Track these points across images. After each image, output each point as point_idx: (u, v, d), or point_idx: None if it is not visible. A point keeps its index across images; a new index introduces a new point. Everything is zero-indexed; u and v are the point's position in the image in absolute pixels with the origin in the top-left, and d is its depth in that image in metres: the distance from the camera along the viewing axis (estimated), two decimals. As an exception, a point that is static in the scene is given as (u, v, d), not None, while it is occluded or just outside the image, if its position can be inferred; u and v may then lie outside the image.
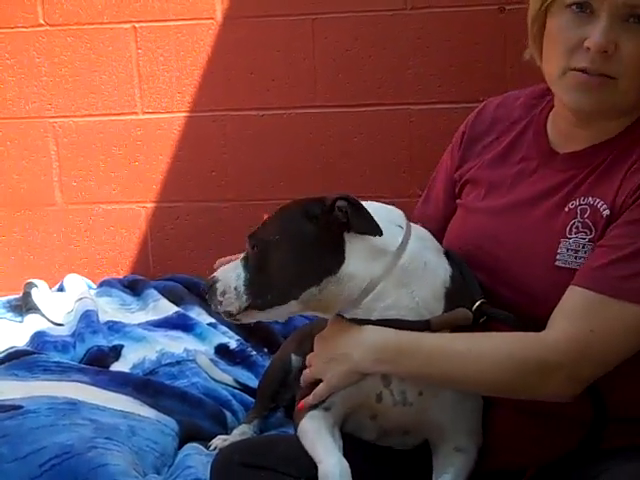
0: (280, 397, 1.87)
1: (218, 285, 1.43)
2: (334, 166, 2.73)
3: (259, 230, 1.46)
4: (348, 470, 1.29)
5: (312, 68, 2.73)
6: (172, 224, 2.87)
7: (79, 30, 2.81)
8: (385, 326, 1.34)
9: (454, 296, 1.38)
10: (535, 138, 1.46)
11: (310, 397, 1.39)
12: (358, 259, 1.35)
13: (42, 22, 2.81)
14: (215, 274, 1.46)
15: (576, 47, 1.31)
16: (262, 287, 1.39)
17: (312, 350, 1.47)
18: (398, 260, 1.36)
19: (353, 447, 1.38)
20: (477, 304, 1.37)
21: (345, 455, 1.32)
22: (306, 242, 1.37)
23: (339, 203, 1.35)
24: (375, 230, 1.34)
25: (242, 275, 1.41)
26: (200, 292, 2.58)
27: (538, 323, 1.31)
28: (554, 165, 1.42)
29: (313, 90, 2.74)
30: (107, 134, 2.85)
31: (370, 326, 1.35)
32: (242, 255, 1.46)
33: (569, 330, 1.26)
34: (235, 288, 1.40)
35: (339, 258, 1.36)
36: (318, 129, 2.74)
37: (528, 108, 1.51)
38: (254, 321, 1.46)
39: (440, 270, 1.39)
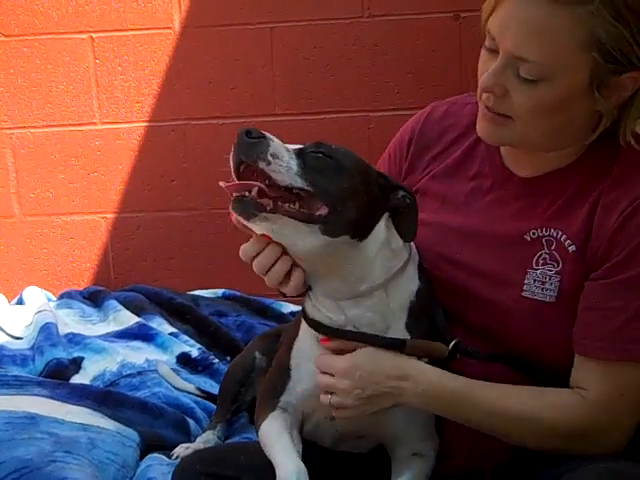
0: (242, 397, 1.84)
1: (272, 143, 1.27)
2: (294, 174, 2.74)
3: (328, 145, 1.34)
4: (306, 475, 1.29)
5: (271, 77, 2.74)
6: (133, 234, 2.86)
7: (35, 40, 2.79)
8: (360, 341, 1.34)
9: (415, 310, 1.39)
10: (488, 154, 1.45)
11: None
12: (379, 245, 1.34)
13: (-3, 32, 2.79)
14: (262, 131, 1.29)
15: None
16: (317, 187, 1.27)
17: (276, 351, 1.48)
18: (404, 269, 1.37)
19: (312, 450, 1.39)
20: (453, 343, 1.37)
21: (304, 458, 1.32)
22: (366, 190, 1.32)
23: (406, 193, 1.36)
24: (411, 237, 1.37)
25: (295, 160, 1.28)
26: (161, 301, 2.59)
27: (517, 360, 1.34)
28: (510, 187, 1.41)
29: (272, 98, 2.75)
30: (65, 145, 2.83)
31: (416, 363, 1.34)
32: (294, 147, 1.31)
33: (601, 400, 1.29)
34: (288, 162, 1.26)
35: (369, 228, 1.33)
36: (277, 137, 2.73)
37: (477, 118, 1.47)
38: (265, 232, 1.29)
39: (413, 282, 1.39)
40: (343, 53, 2.70)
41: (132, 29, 2.77)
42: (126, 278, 2.84)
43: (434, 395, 1.33)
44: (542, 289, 1.33)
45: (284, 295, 1.40)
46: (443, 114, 1.53)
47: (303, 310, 1.42)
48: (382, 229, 1.35)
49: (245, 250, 1.34)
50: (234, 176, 1.29)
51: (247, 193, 1.26)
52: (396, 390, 1.33)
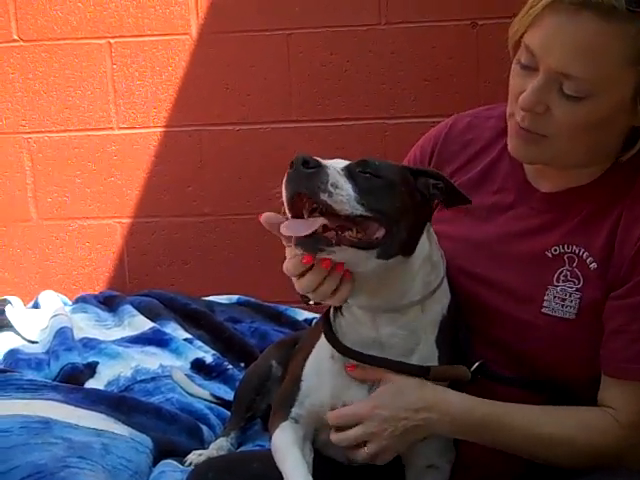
0: (256, 406, 1.84)
1: (330, 172, 1.21)
2: (310, 180, 2.74)
3: (372, 162, 1.29)
4: None
5: (287, 83, 2.74)
6: (148, 239, 2.86)
7: (54, 46, 2.80)
8: (385, 367, 1.33)
9: (446, 325, 1.37)
10: (512, 169, 1.44)
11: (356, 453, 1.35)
12: (422, 258, 1.32)
13: (16, 38, 2.81)
14: (316, 158, 1.23)
15: (518, 96, 1.30)
16: (374, 211, 1.24)
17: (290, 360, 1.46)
18: (441, 284, 1.35)
19: (325, 461, 1.38)
20: (477, 364, 1.36)
21: (317, 470, 1.32)
22: (412, 203, 1.30)
23: (435, 180, 1.33)
24: (468, 201, 1.35)
25: (350, 186, 1.23)
26: (176, 307, 2.59)
27: (539, 383, 1.34)
28: (532, 203, 1.40)
29: (288, 105, 2.75)
30: (82, 149, 2.84)
31: (440, 392, 1.33)
32: (342, 165, 1.27)
33: (632, 420, 1.29)
34: (347, 191, 1.22)
35: (416, 242, 1.32)
36: (293, 143, 2.75)
37: (500, 131, 1.46)
38: (337, 259, 1.24)
39: (446, 296, 1.38)
40: (360, 60, 2.70)
41: (149, 35, 2.78)
42: (141, 283, 2.85)
43: (463, 423, 1.32)
44: (562, 306, 1.32)
45: (307, 303, 1.37)
46: (465, 127, 1.51)
47: (325, 326, 1.39)
48: (425, 241, 1.34)
49: (290, 270, 1.29)
50: (287, 206, 1.25)
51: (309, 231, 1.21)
52: (426, 422, 1.31)
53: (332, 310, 1.40)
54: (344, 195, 1.21)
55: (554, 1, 1.23)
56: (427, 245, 1.33)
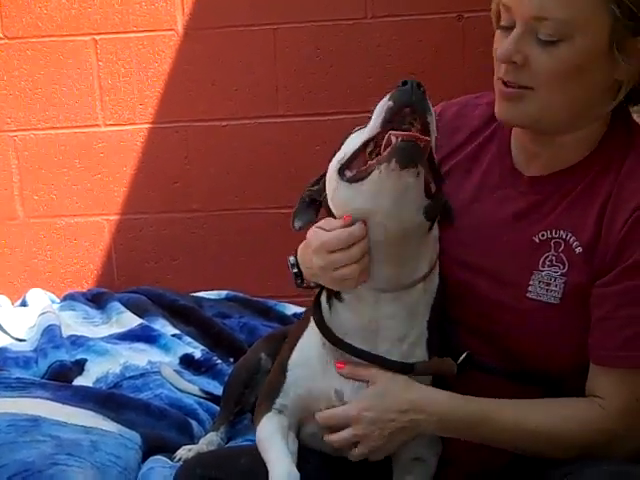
0: (245, 399, 1.83)
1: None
2: (298, 175, 2.73)
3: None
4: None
5: (274, 78, 2.74)
6: (136, 236, 2.86)
7: (38, 43, 2.79)
8: (369, 361, 1.34)
9: (437, 308, 1.39)
10: (499, 154, 1.45)
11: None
12: (434, 235, 1.37)
13: (1, 35, 2.79)
14: None
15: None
16: (435, 166, 1.31)
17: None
18: (437, 262, 1.39)
19: (311, 453, 1.38)
20: (464, 356, 1.37)
21: (301, 462, 1.32)
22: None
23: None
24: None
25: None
26: (164, 303, 2.58)
27: (526, 374, 1.35)
28: (518, 187, 1.40)
29: (275, 100, 2.75)
30: (69, 147, 2.83)
31: (425, 392, 1.34)
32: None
33: (619, 408, 1.29)
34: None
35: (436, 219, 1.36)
36: (281, 138, 2.75)
37: (487, 119, 1.48)
38: (393, 189, 1.24)
39: (437, 278, 1.40)
40: (346, 54, 2.70)
41: (135, 31, 2.77)
42: (129, 280, 2.84)
43: (450, 421, 1.33)
44: (547, 290, 1.33)
45: (301, 286, 1.41)
46: (454, 115, 1.52)
47: (316, 314, 1.40)
48: (436, 228, 1.37)
49: (324, 243, 1.31)
50: (382, 120, 1.25)
51: (419, 142, 1.23)
52: (413, 423, 1.33)
53: (324, 297, 1.40)
54: (435, 128, 1.25)
55: None
56: (436, 224, 1.36)
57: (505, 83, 1.32)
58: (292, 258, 1.45)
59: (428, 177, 1.27)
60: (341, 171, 1.31)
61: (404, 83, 1.24)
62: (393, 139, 1.22)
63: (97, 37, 2.78)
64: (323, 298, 1.41)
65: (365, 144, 1.28)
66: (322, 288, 1.42)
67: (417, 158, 1.23)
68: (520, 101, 1.31)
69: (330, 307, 1.39)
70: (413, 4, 2.66)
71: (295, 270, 1.44)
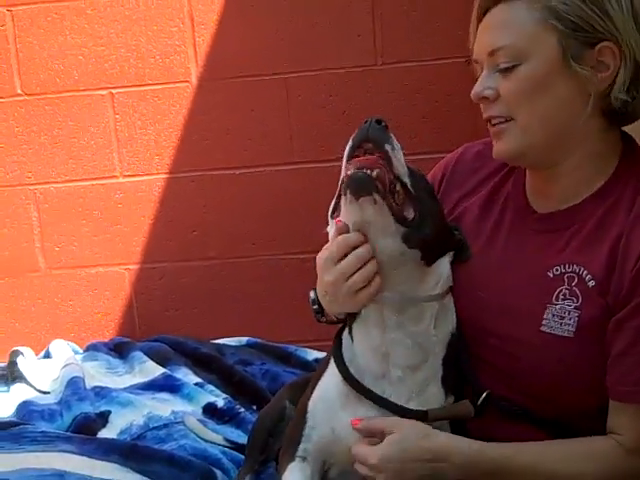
0: (270, 448, 1.82)
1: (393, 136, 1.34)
2: (313, 221, 2.75)
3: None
4: None
5: (287, 126, 2.78)
6: (156, 284, 2.89)
7: (56, 98, 2.85)
8: (383, 407, 1.37)
9: (454, 345, 1.41)
10: (514, 193, 1.49)
11: None
12: (439, 276, 1.41)
13: (20, 92, 2.85)
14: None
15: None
16: (415, 191, 1.35)
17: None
18: (449, 297, 1.43)
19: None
20: (484, 395, 1.40)
21: None
22: (442, 217, 1.44)
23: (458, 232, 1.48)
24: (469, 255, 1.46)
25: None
26: (186, 351, 2.60)
27: (543, 414, 1.36)
28: (531, 224, 1.44)
29: (289, 147, 2.79)
30: (87, 198, 2.88)
31: (446, 441, 1.35)
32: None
33: (637, 442, 1.30)
34: (402, 158, 1.35)
35: (437, 255, 1.40)
36: (296, 185, 2.78)
37: None
38: (357, 218, 1.32)
39: (453, 315, 1.43)
40: (358, 100, 2.73)
41: (150, 84, 2.82)
42: (151, 328, 2.86)
43: (470, 468, 1.34)
44: (561, 324, 1.34)
45: (320, 319, 1.46)
46: (475, 155, 1.58)
47: (336, 352, 1.44)
48: (446, 264, 1.42)
49: (330, 254, 1.36)
50: (347, 156, 1.35)
51: (368, 171, 1.29)
52: (435, 470, 1.34)
53: (346, 332, 1.44)
54: (401, 158, 1.33)
55: (480, 17, 1.41)
56: (447, 267, 1.42)
57: (491, 123, 1.40)
58: (312, 293, 1.50)
59: (396, 204, 1.30)
60: (332, 215, 1.40)
61: (365, 122, 1.33)
62: (345, 172, 1.32)
63: (114, 91, 2.84)
64: (345, 333, 1.45)
65: (340, 185, 1.35)
66: (344, 325, 1.46)
67: (369, 186, 1.27)
68: (505, 134, 1.38)
69: (352, 338, 1.43)
70: (422, 50, 2.69)
71: (315, 306, 1.48)
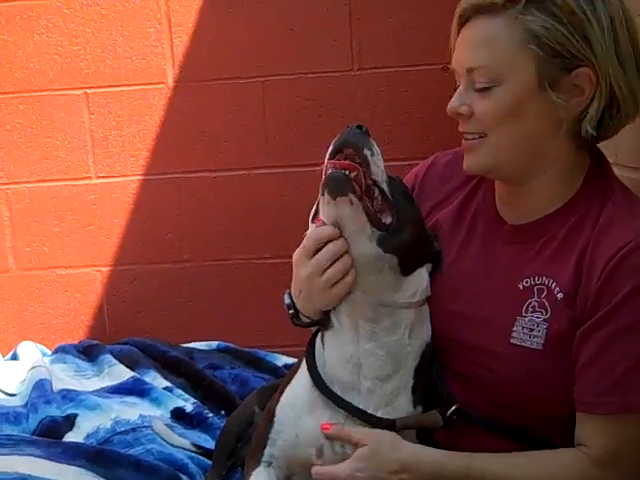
0: (238, 454, 1.81)
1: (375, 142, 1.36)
2: (288, 225, 2.75)
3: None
4: None
5: (263, 129, 2.77)
6: (128, 287, 2.86)
7: (31, 97, 2.82)
8: (352, 414, 1.37)
9: (427, 355, 1.42)
10: (485, 204, 1.50)
11: None
12: (416, 288, 1.41)
13: (-7, 90, 2.83)
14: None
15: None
16: (393, 197, 1.37)
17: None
18: (425, 307, 1.43)
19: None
20: (453, 408, 1.40)
21: None
22: (422, 226, 1.46)
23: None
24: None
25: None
26: (155, 355, 2.58)
27: (515, 427, 1.36)
28: (501, 236, 1.44)
29: (265, 151, 2.78)
30: (60, 199, 2.85)
31: (414, 451, 1.36)
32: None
33: (603, 455, 1.30)
34: (382, 164, 1.37)
35: (414, 266, 1.41)
36: (271, 189, 2.77)
37: None
38: (334, 217, 1.34)
39: (428, 327, 1.44)
40: (334, 105, 2.73)
41: (126, 85, 2.80)
42: (121, 331, 2.84)
43: (440, 478, 1.34)
44: (530, 336, 1.35)
45: (295, 321, 1.46)
46: (445, 165, 1.59)
47: (309, 358, 1.44)
48: (425, 275, 1.43)
49: (303, 251, 1.38)
50: (327, 158, 1.37)
51: (346, 172, 1.31)
52: None
53: (319, 337, 1.44)
54: (380, 164, 1.35)
55: (456, 27, 1.41)
56: (426, 279, 1.43)
57: (465, 136, 1.41)
58: (286, 296, 1.49)
59: (376, 208, 1.32)
60: (312, 219, 1.41)
61: (347, 127, 1.36)
62: (324, 173, 1.34)
63: (89, 91, 2.81)
64: (318, 338, 1.45)
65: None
66: (318, 329, 1.46)
67: (345, 186, 1.29)
68: (477, 149, 1.39)
69: (323, 345, 1.43)
70: (399, 56, 2.70)
71: (291, 311, 1.48)
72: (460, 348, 1.42)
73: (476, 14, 1.37)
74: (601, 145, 1.45)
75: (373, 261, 1.34)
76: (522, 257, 1.40)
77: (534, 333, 1.34)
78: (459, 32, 1.40)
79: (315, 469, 1.38)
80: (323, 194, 1.34)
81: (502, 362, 1.36)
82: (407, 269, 1.38)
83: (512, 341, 1.36)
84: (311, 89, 2.74)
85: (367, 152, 1.33)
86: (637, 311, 1.27)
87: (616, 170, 1.48)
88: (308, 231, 1.40)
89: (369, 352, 1.37)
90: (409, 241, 1.36)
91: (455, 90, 1.42)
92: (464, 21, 1.39)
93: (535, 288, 1.36)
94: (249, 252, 2.80)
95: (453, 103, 1.40)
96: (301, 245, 1.41)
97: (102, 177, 2.84)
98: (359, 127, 1.35)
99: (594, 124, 1.34)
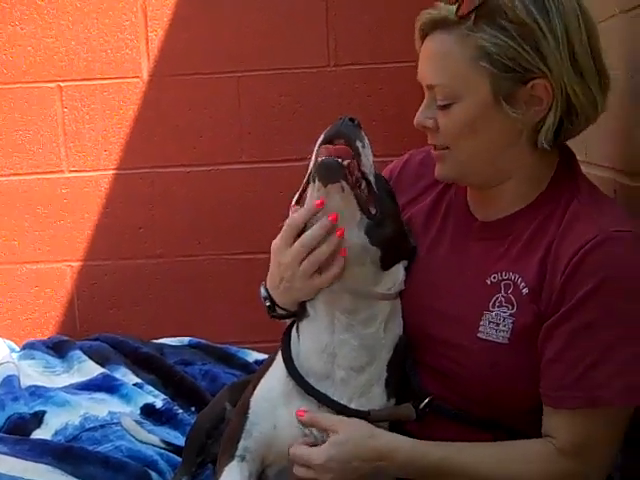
0: (208, 450, 1.80)
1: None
2: (261, 221, 2.75)
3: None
4: None
5: (238, 125, 2.76)
6: (99, 282, 2.84)
7: (3, 89, 2.79)
8: (327, 406, 1.39)
9: (400, 348, 1.43)
10: (457, 201, 1.52)
11: None
12: (393, 281, 1.44)
13: (-35, 82, 2.79)
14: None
15: None
16: (378, 190, 1.38)
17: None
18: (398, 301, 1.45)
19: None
20: (427, 400, 1.41)
21: None
22: (401, 222, 1.48)
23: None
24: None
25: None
26: (126, 351, 2.56)
27: (484, 420, 1.39)
28: (472, 232, 1.46)
29: (239, 146, 2.77)
30: (32, 193, 2.82)
31: (389, 440, 1.37)
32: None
33: (571, 448, 1.32)
34: (371, 157, 1.38)
35: (393, 260, 1.43)
36: (245, 184, 2.77)
37: None
38: (326, 201, 1.33)
39: (399, 318, 1.45)
40: (309, 101, 2.73)
41: (100, 78, 2.78)
42: (92, 326, 2.81)
43: (412, 467, 1.36)
44: (496, 330, 1.36)
45: (273, 314, 1.46)
46: (419, 162, 1.61)
47: (284, 349, 1.44)
48: (402, 270, 1.45)
49: (296, 218, 1.37)
50: (315, 152, 1.37)
51: (339, 159, 1.32)
52: (376, 469, 1.36)
53: (295, 329, 1.45)
54: (370, 157, 1.36)
55: (422, 38, 1.42)
56: (402, 274, 1.45)
57: (433, 148, 1.44)
58: (263, 289, 1.49)
59: (364, 198, 1.34)
60: (296, 204, 1.41)
61: (339, 119, 1.37)
62: (315, 159, 1.35)
63: (62, 84, 2.79)
64: (293, 329, 1.46)
65: (308, 177, 1.39)
66: (293, 321, 1.47)
67: (338, 173, 1.31)
68: (444, 160, 1.42)
69: (299, 335, 1.43)
70: (374, 53, 2.70)
71: (268, 302, 1.47)
72: (431, 342, 1.44)
73: (433, 29, 1.38)
74: (572, 143, 1.46)
75: (359, 251, 1.35)
76: (491, 253, 1.41)
77: (500, 327, 1.36)
78: (422, 44, 1.42)
79: (293, 449, 1.39)
80: (313, 181, 1.34)
81: (469, 356, 1.38)
82: (387, 264, 1.40)
83: (479, 335, 1.37)
84: (286, 85, 2.74)
85: (359, 144, 1.34)
86: (599, 308, 1.28)
87: (585, 168, 1.49)
88: (287, 219, 1.40)
89: (344, 342, 1.38)
90: (391, 235, 1.38)
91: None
92: (424, 34, 1.41)
93: (502, 283, 1.38)
94: (221, 248, 2.79)
95: (419, 117, 1.42)
96: (279, 234, 1.41)
97: (74, 171, 2.81)
98: (351, 119, 1.36)
99: (551, 134, 1.36)
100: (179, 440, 2.09)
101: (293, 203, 1.42)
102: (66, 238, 2.83)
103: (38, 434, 2.09)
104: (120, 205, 2.81)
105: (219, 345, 2.68)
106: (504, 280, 1.38)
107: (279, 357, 1.46)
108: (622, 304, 1.28)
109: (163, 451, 2.05)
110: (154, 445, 2.08)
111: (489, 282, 1.39)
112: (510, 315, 1.36)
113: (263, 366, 1.56)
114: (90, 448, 1.98)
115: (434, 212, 1.53)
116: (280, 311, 1.48)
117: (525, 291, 1.35)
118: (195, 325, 2.77)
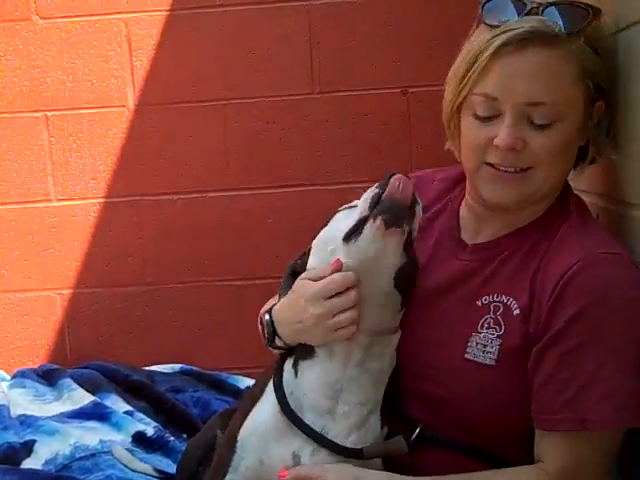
0: (199, 478, 1.76)
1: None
2: (250, 248, 2.77)
3: None
4: None
5: (224, 152, 2.78)
6: (89, 310, 2.84)
7: (-11, 119, 2.80)
8: (320, 443, 1.38)
9: (394, 377, 1.44)
10: (449, 227, 1.52)
11: None
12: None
13: (-48, 112, 2.80)
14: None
15: (487, 145, 1.37)
16: None
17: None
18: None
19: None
20: (418, 430, 1.41)
21: None
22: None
23: None
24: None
25: None
26: (117, 379, 2.56)
27: (478, 448, 1.38)
28: (462, 255, 1.47)
29: (226, 174, 2.78)
30: (20, 222, 2.83)
31: (382, 477, 1.37)
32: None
33: (561, 471, 1.32)
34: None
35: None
36: (232, 211, 2.78)
37: (440, 192, 1.58)
38: (378, 246, 1.33)
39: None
40: (295, 129, 2.75)
41: (86, 107, 2.79)
42: (83, 354, 2.81)
43: None
44: (483, 352, 1.37)
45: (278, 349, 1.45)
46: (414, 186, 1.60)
47: (277, 385, 1.43)
48: None
49: (320, 291, 1.37)
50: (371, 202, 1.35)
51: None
52: None
53: (289, 364, 1.44)
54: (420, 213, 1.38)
55: (498, 49, 1.32)
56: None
57: (500, 168, 1.37)
58: (268, 317, 1.48)
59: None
60: (346, 238, 1.36)
61: (391, 175, 1.34)
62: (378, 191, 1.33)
63: (49, 113, 2.80)
64: (287, 365, 1.45)
65: (368, 205, 1.35)
66: (286, 355, 1.46)
67: (404, 219, 1.32)
68: (520, 182, 1.38)
69: (296, 372, 1.42)
70: (359, 80, 2.72)
71: (271, 329, 1.46)
72: (421, 368, 1.44)
73: (528, 44, 1.31)
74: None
75: (382, 297, 1.37)
76: (481, 274, 1.43)
77: (487, 349, 1.37)
78: (494, 57, 1.33)
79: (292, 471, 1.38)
80: (374, 218, 1.32)
81: (457, 378, 1.39)
82: (406, 303, 1.42)
83: (466, 356, 1.38)
84: (271, 112, 2.75)
85: (417, 208, 1.36)
86: (586, 330, 1.30)
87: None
88: (331, 268, 1.36)
89: (353, 378, 1.39)
90: (414, 281, 1.41)
91: (477, 119, 1.38)
92: (511, 49, 1.31)
93: (492, 305, 1.39)
94: (211, 274, 2.80)
95: (507, 139, 1.33)
96: (312, 275, 1.40)
97: (62, 200, 2.82)
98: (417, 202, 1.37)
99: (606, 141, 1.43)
100: (171, 468, 2.08)
101: (343, 237, 1.37)
102: (55, 266, 2.83)
103: (28, 463, 2.08)
104: (109, 233, 2.82)
105: (210, 372, 2.69)
106: (494, 302, 1.39)
107: (269, 390, 1.45)
108: (609, 326, 1.29)
109: (155, 479, 2.05)
110: (146, 473, 2.07)
111: (480, 303, 1.40)
112: (497, 337, 1.37)
113: (248, 395, 1.56)
114: (81, 478, 1.99)
115: (426, 237, 1.53)
116: (279, 343, 1.47)
117: (517, 312, 1.36)
118: (186, 352, 2.78)
